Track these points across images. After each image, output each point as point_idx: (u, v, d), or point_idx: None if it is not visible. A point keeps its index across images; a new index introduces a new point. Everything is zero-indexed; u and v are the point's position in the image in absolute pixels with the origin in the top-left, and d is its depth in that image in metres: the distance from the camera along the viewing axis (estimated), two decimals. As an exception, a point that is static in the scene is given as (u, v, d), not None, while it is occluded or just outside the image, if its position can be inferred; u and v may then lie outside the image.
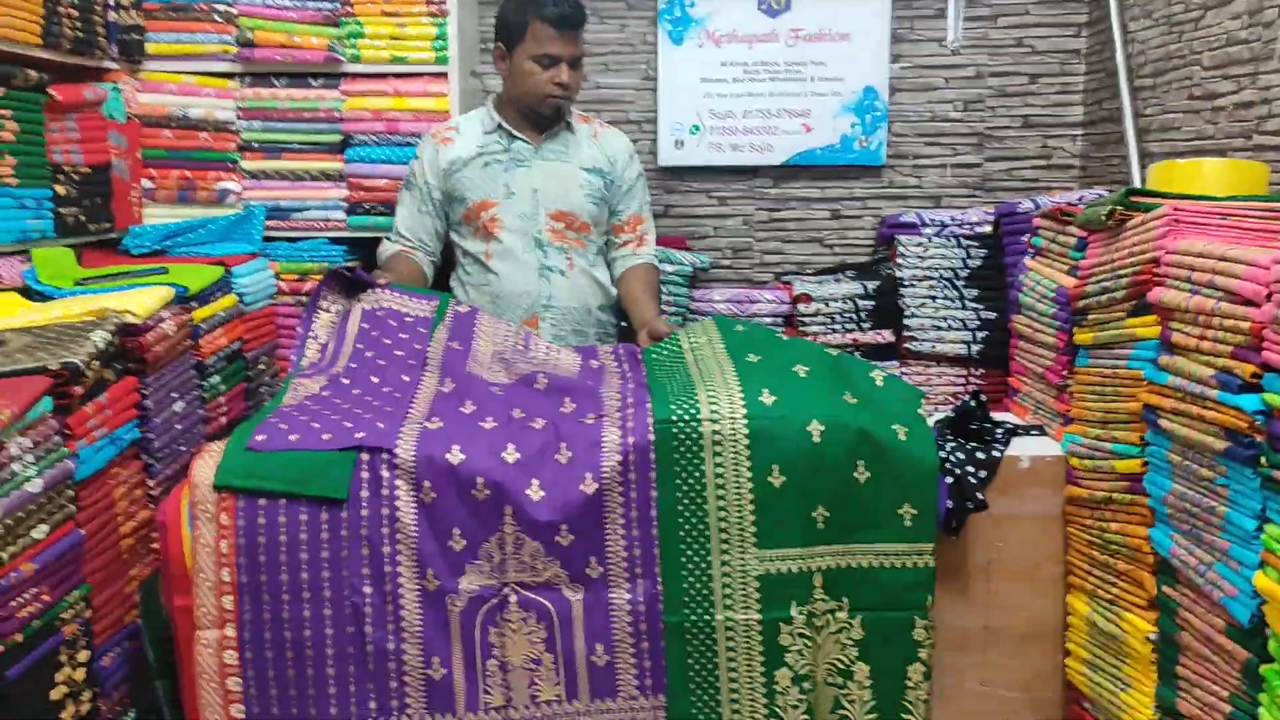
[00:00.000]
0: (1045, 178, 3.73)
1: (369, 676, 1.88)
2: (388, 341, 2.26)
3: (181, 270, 2.61)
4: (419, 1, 3.14)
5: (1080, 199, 2.77)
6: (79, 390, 1.92)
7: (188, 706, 1.96)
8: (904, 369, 3.28)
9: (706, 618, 1.93)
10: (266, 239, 3.17)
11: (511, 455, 1.90)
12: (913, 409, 2.06)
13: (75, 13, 2.69)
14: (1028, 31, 3.67)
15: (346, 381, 2.13)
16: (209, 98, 3.15)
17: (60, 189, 2.64)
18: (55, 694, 1.79)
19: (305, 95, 3.17)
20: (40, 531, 1.77)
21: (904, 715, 1.99)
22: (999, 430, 2.30)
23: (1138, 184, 3.01)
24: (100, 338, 2.02)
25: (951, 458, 2.19)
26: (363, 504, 1.87)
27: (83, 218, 2.74)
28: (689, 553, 1.93)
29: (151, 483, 2.22)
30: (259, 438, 1.92)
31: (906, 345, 3.26)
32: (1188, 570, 1.73)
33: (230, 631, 1.91)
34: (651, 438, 1.92)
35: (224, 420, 2.63)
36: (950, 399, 3.20)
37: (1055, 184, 3.71)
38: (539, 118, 2.80)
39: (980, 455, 2.19)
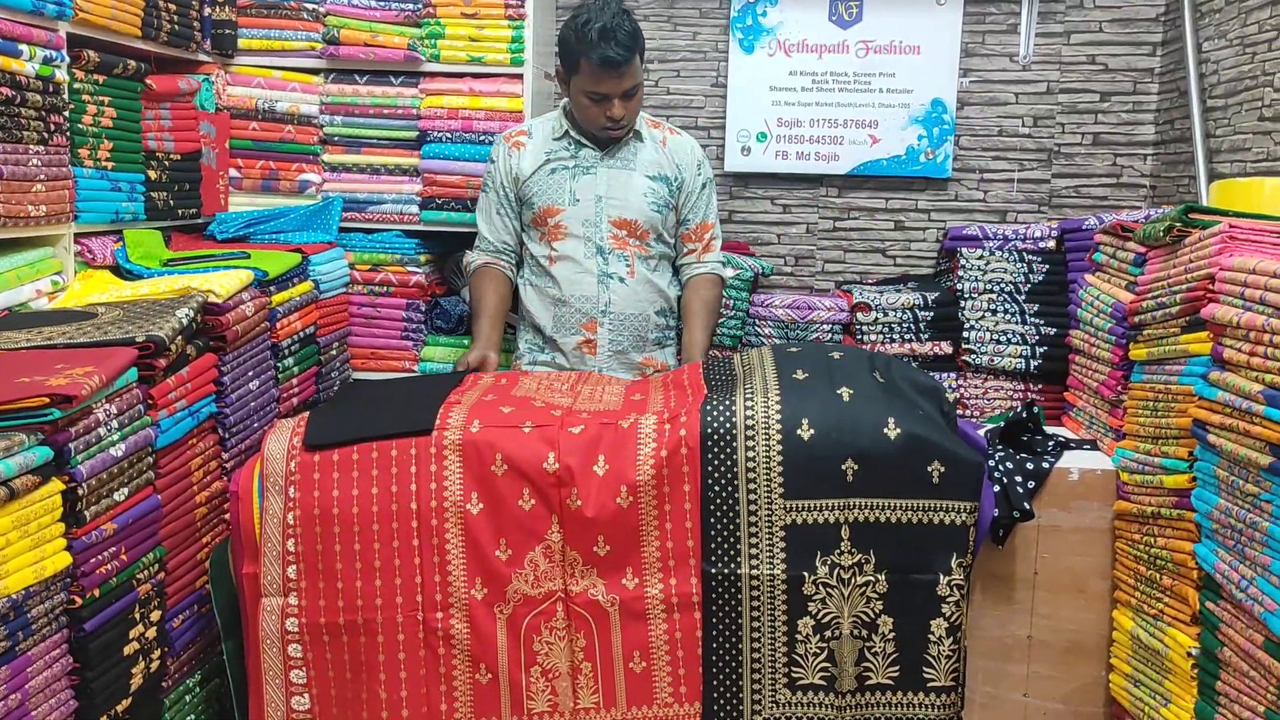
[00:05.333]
0: (1114, 196, 3.70)
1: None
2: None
3: (262, 256, 2.72)
4: (498, 5, 3.22)
5: (1146, 217, 2.76)
6: (162, 363, 2.02)
7: (250, 669, 2.05)
8: (961, 382, 3.27)
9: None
10: (343, 230, 3.28)
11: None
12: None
13: (173, 7, 2.81)
14: (1100, 49, 3.65)
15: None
16: (295, 92, 3.26)
17: (152, 174, 2.75)
18: (127, 650, 1.89)
19: (385, 92, 3.27)
20: (121, 494, 1.87)
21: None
22: (1050, 442, 2.31)
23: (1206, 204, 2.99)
24: (184, 314, 2.13)
25: (1000, 467, 2.20)
26: None
27: (172, 202, 2.85)
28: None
29: (225, 455, 2.32)
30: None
31: (964, 358, 3.26)
32: (1230, 585, 1.73)
33: (293, 600, 2.00)
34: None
35: (295, 401, 2.73)
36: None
37: (1124, 203, 3.68)
38: None
39: (1029, 465, 2.20)
